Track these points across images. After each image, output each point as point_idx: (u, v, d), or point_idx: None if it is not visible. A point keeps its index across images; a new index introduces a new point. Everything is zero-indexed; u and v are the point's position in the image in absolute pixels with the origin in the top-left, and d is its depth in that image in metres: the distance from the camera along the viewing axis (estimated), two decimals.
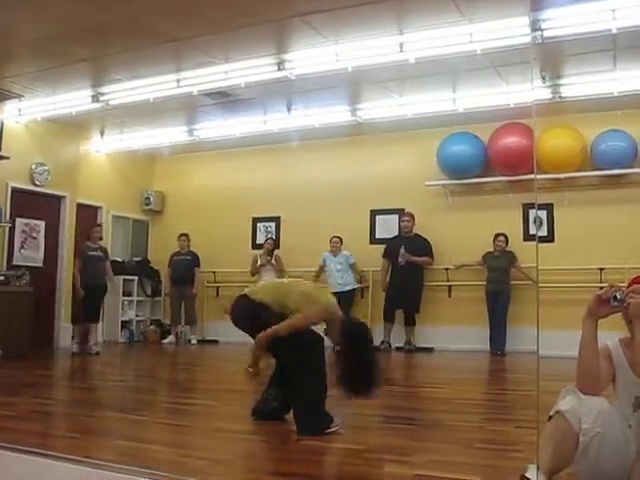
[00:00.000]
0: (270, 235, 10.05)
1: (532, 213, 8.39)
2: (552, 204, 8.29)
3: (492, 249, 8.39)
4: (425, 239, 8.79)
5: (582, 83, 7.08)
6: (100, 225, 9.05)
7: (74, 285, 8.56)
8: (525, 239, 8.43)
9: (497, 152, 8.39)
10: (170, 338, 9.96)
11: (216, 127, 9.23)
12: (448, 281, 8.82)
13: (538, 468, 2.22)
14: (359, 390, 3.61)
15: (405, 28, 5.99)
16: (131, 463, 2.84)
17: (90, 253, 8.35)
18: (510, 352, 8.01)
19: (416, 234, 8.85)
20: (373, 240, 9.46)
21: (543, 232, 8.34)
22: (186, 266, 9.94)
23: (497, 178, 8.62)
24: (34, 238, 8.94)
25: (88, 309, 8.31)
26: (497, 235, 8.35)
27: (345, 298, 8.26)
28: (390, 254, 8.83)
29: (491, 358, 7.91)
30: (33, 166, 8.82)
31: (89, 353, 8.06)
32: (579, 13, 5.43)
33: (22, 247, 8.74)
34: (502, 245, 8.33)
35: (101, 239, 8.68)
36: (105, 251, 8.64)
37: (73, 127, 9.16)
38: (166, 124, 9.19)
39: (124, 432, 3.69)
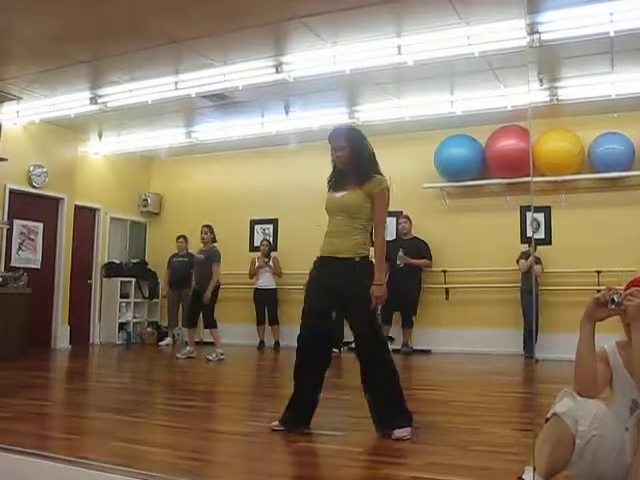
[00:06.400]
0: (267, 237, 10.04)
1: (530, 216, 8.39)
2: (549, 207, 8.31)
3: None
4: (423, 241, 8.79)
5: (580, 86, 7.09)
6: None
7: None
8: (523, 241, 8.43)
9: (495, 155, 8.40)
10: (167, 340, 9.95)
11: (214, 129, 9.22)
12: (445, 283, 8.82)
13: (535, 470, 2.22)
14: None
15: (403, 31, 6.00)
16: (126, 464, 2.83)
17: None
18: (504, 354, 8.01)
19: (414, 236, 8.85)
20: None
21: (540, 235, 8.35)
22: (185, 268, 9.91)
23: (495, 180, 8.61)
24: (32, 240, 8.94)
25: (187, 313, 8.49)
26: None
27: None
28: (388, 257, 8.80)
29: (486, 360, 7.89)
30: (31, 168, 8.82)
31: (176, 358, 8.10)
32: (576, 16, 5.44)
33: (20, 249, 8.74)
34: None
35: (203, 241, 8.20)
36: (201, 255, 8.24)
37: (71, 129, 9.17)
38: (164, 126, 9.20)
39: (120, 433, 3.67)
